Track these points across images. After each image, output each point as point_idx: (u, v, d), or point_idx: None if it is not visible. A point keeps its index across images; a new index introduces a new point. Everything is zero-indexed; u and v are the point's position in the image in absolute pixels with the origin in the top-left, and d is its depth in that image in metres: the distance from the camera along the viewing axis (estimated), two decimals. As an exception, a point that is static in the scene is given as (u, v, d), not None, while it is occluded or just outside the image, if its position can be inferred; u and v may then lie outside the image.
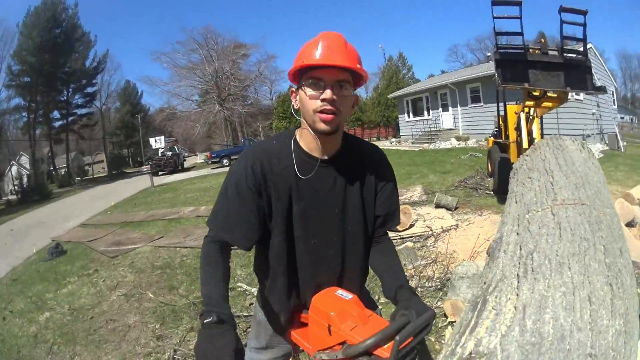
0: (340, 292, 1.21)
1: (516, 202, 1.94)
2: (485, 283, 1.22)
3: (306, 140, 1.27)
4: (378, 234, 1.44)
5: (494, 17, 5.50)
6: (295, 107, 1.25)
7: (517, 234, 1.45)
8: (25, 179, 29.09)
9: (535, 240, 1.32)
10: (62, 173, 37.47)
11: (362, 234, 1.36)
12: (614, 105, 21.28)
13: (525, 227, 1.47)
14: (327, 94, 1.15)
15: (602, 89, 5.79)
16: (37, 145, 36.91)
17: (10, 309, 5.13)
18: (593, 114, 16.84)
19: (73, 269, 6.47)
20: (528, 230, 1.43)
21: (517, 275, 1.13)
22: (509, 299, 1.03)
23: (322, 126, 1.18)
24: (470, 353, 0.88)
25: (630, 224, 4.75)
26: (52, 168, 38.45)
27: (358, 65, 1.19)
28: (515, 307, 0.98)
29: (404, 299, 1.19)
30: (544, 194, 1.76)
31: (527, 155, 2.64)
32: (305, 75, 1.20)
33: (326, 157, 1.28)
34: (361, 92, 52.92)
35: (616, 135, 14.59)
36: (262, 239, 1.30)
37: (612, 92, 21.15)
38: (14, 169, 35.36)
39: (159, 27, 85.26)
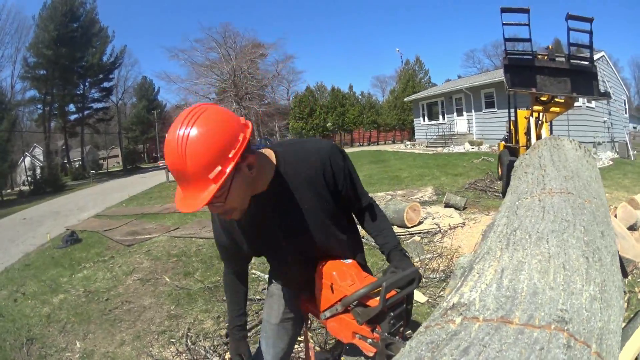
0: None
1: (511, 194, 2.10)
2: (474, 257, 1.39)
3: None
4: (359, 207, 1.53)
5: (504, 24, 5.67)
6: None
7: (507, 217, 1.61)
8: (38, 171, 29.40)
9: (520, 220, 1.47)
10: (77, 166, 38.01)
11: (323, 231, 1.40)
12: (626, 114, 21.17)
13: (514, 211, 1.63)
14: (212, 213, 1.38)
15: (607, 95, 5.90)
16: (51, 137, 37.38)
17: (23, 291, 5.23)
18: (604, 121, 16.81)
19: (88, 256, 6.59)
20: (515, 213, 1.58)
21: (501, 248, 1.30)
22: (491, 265, 1.19)
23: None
24: (453, 304, 1.04)
25: (632, 228, 4.85)
26: (66, 161, 38.95)
27: (205, 194, 1.04)
28: (495, 271, 1.14)
29: (395, 260, 1.40)
30: (535, 185, 1.92)
31: (526, 154, 2.79)
32: None
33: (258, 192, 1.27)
34: (378, 95, 53.18)
35: (627, 143, 14.54)
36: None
37: (624, 100, 21.05)
38: (27, 160, 35.86)
39: (178, 24, 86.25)
